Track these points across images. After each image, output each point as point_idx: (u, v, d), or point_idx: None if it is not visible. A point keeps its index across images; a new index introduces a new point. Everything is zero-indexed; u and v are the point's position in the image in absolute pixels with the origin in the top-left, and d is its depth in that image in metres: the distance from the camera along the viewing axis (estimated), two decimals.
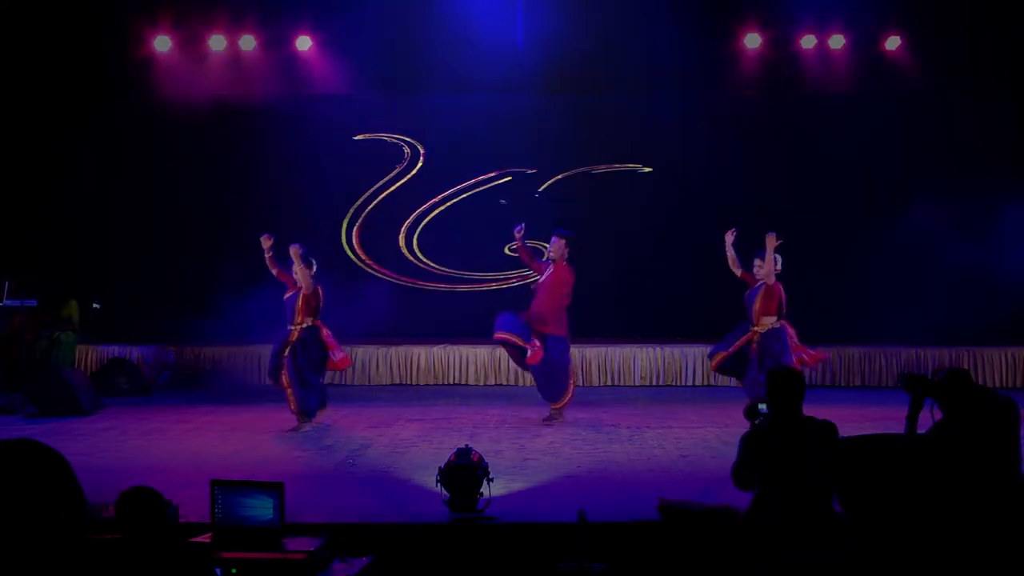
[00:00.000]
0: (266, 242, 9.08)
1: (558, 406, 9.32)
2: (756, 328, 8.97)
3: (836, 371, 12.35)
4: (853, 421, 9.13)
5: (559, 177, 13.89)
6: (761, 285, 8.95)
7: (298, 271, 8.95)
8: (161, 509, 3.79)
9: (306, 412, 8.99)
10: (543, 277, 9.33)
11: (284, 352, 8.98)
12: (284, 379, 8.95)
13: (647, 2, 12.52)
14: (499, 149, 13.72)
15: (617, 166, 13.90)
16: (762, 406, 4.85)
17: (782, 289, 9.06)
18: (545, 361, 9.11)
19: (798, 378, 4.76)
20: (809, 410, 10.15)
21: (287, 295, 9.09)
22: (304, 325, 9.01)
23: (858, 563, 4.89)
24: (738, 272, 9.12)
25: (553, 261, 9.29)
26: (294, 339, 9.00)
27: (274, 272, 9.15)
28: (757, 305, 8.96)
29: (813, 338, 12.49)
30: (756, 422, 4.87)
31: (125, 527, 3.70)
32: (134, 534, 3.69)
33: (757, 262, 8.98)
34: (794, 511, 4.51)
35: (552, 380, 9.27)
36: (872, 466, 5.58)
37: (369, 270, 13.95)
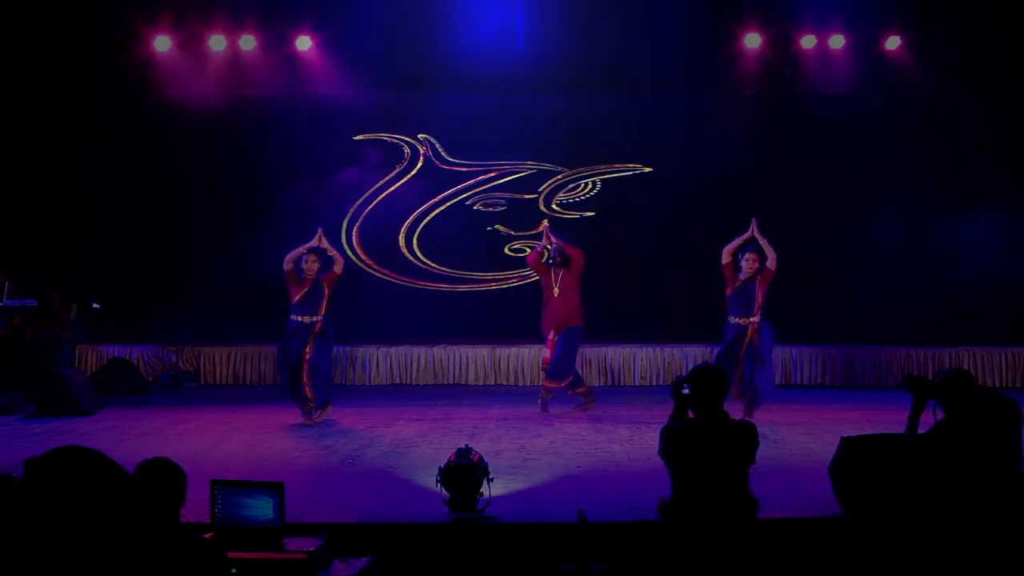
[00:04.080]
0: (322, 239, 9.29)
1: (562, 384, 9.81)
2: (753, 320, 8.94)
3: (838, 371, 12.35)
4: (854, 421, 9.14)
5: (559, 177, 13.88)
6: (757, 275, 8.95)
7: (331, 251, 9.25)
8: (181, 482, 3.86)
9: (326, 403, 9.24)
10: (560, 278, 9.83)
11: (306, 354, 9.04)
12: (306, 383, 9.03)
13: (647, 2, 12.51)
14: (499, 149, 13.71)
15: (617, 166, 13.90)
16: (685, 388, 4.83)
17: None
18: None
19: (723, 377, 4.78)
20: (810, 410, 10.16)
21: (303, 290, 9.08)
22: (324, 316, 9.13)
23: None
24: (727, 260, 9.10)
25: (557, 264, 9.84)
26: (317, 331, 9.09)
27: (289, 268, 9.14)
28: (760, 296, 8.97)
29: (815, 337, 12.56)
30: (682, 392, 4.82)
31: (143, 497, 3.76)
32: (151, 505, 3.76)
33: (751, 256, 8.97)
34: (709, 499, 4.59)
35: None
36: (874, 466, 5.58)
37: (369, 270, 13.94)
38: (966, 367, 12.17)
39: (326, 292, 9.14)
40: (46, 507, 3.83)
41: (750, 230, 9.15)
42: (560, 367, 9.76)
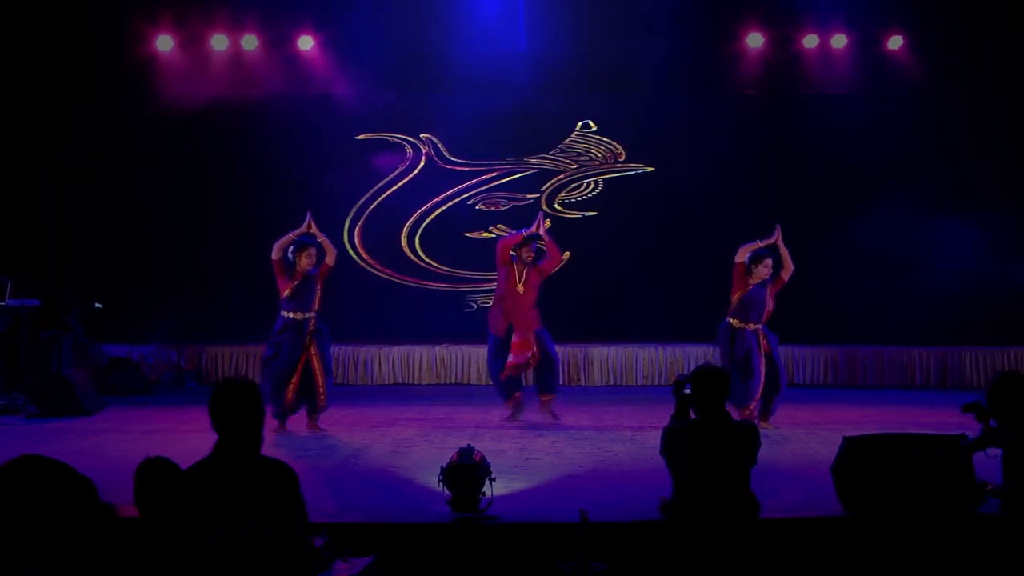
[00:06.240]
0: (312, 225, 8.70)
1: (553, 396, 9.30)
2: (759, 327, 8.76)
3: (840, 371, 12.35)
4: (856, 421, 9.14)
5: (561, 177, 13.88)
6: (768, 281, 8.74)
7: (322, 239, 8.68)
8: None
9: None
10: (526, 277, 9.21)
11: (309, 349, 8.48)
12: (320, 387, 8.50)
13: (648, 2, 12.51)
14: (500, 149, 13.71)
15: (619, 166, 13.90)
16: (687, 388, 4.89)
17: None
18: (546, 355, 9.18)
19: (725, 377, 4.84)
20: (812, 410, 10.15)
21: (294, 284, 8.45)
22: (318, 312, 8.58)
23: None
24: (741, 259, 8.71)
25: (528, 263, 9.25)
26: (312, 329, 8.53)
27: (278, 257, 8.49)
28: (771, 304, 8.75)
29: (816, 337, 12.55)
30: (684, 391, 4.89)
31: (142, 498, 3.77)
32: (151, 507, 3.76)
33: (769, 262, 8.69)
34: (711, 500, 4.63)
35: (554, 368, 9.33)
36: (876, 466, 5.57)
37: (371, 270, 13.94)
38: (966, 367, 12.20)
39: (319, 286, 8.57)
40: (44, 509, 3.80)
41: (774, 236, 8.83)
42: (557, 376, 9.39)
